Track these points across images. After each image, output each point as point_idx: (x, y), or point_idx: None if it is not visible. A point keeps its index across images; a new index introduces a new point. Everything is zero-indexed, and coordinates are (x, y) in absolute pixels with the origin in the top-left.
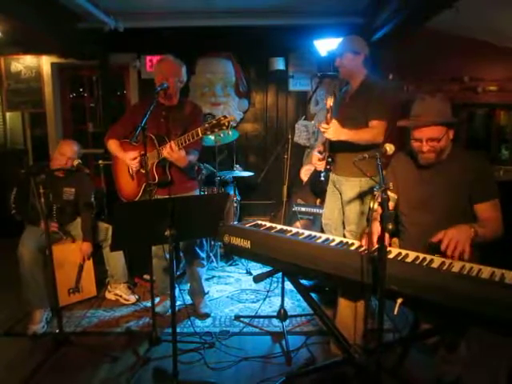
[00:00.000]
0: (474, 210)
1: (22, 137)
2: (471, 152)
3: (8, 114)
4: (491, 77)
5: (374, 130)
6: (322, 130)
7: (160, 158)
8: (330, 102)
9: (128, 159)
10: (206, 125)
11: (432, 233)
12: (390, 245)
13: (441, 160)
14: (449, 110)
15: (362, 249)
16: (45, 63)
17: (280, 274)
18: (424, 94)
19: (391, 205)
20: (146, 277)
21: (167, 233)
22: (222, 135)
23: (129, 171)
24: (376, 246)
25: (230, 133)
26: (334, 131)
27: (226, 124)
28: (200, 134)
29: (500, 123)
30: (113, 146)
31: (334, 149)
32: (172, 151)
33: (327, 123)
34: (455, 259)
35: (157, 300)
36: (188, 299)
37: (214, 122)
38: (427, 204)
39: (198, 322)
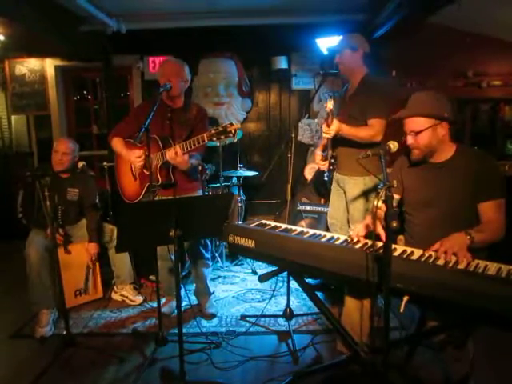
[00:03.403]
0: (478, 209)
1: (28, 139)
2: (477, 150)
3: (13, 117)
4: (495, 71)
5: (372, 129)
6: (325, 131)
7: (164, 160)
8: (330, 105)
9: (133, 157)
10: (213, 131)
11: (437, 232)
12: (396, 243)
13: (445, 159)
14: (436, 105)
15: (364, 245)
16: (49, 66)
17: (285, 273)
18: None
19: (394, 205)
20: (152, 277)
21: (172, 233)
22: (227, 142)
23: (131, 171)
24: (380, 243)
25: (235, 140)
26: (335, 127)
27: (233, 132)
28: (206, 140)
29: (505, 118)
30: (117, 144)
31: (337, 148)
32: (176, 156)
33: (328, 126)
34: None
35: (163, 301)
36: (194, 299)
37: (221, 129)
38: (432, 204)
39: (204, 322)
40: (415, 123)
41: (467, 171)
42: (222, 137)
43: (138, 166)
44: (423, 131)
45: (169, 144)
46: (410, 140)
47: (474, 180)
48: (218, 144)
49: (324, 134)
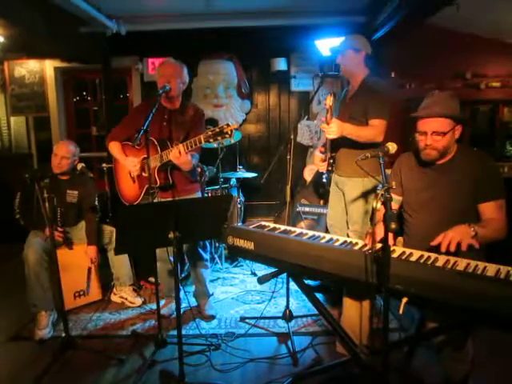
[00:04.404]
0: (478, 210)
1: (27, 141)
2: (477, 151)
3: (12, 119)
4: (494, 73)
5: (374, 129)
6: (324, 130)
7: (163, 161)
8: (330, 101)
9: (129, 166)
10: (209, 132)
11: (436, 232)
12: (395, 244)
13: (445, 160)
14: (457, 107)
15: (366, 248)
16: (48, 67)
17: (285, 275)
18: (435, 90)
19: (395, 206)
20: (152, 279)
21: (171, 235)
22: (224, 143)
23: (130, 174)
24: (379, 245)
25: (232, 141)
26: (337, 127)
27: (229, 132)
28: (202, 141)
29: (504, 119)
30: (114, 148)
31: (336, 149)
32: (180, 155)
33: (327, 123)
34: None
35: (162, 302)
36: (193, 301)
37: (217, 130)
38: (432, 205)
39: (203, 324)
40: (441, 124)
41: (467, 172)
42: (219, 138)
43: (135, 173)
44: (448, 133)
45: (166, 146)
46: (429, 140)
47: (474, 181)
48: (215, 145)
49: (327, 135)
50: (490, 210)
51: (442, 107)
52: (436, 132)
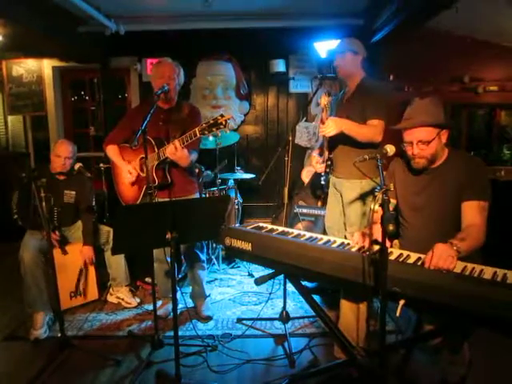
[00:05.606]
0: (461, 210)
1: (24, 140)
2: (467, 154)
3: (10, 118)
4: (491, 77)
5: (373, 128)
6: (321, 129)
7: (160, 159)
8: (325, 100)
9: (125, 172)
10: (204, 124)
11: (430, 236)
12: (392, 246)
13: (437, 164)
14: (440, 112)
15: (361, 249)
16: (46, 67)
17: (282, 276)
18: (415, 98)
19: (390, 208)
20: (148, 280)
21: (168, 236)
22: (220, 135)
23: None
24: (377, 247)
25: (228, 131)
26: (334, 124)
27: (224, 123)
28: (198, 134)
29: (501, 123)
30: (111, 152)
31: (334, 150)
32: (176, 150)
33: (323, 123)
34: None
35: (159, 303)
36: (190, 302)
37: (212, 121)
38: (425, 209)
39: (200, 325)
40: (424, 133)
41: (456, 175)
42: (214, 129)
43: (127, 181)
44: (432, 140)
45: (163, 145)
46: (416, 150)
47: (461, 182)
48: (211, 138)
49: (325, 133)
50: (471, 210)
51: (423, 116)
52: (421, 141)
